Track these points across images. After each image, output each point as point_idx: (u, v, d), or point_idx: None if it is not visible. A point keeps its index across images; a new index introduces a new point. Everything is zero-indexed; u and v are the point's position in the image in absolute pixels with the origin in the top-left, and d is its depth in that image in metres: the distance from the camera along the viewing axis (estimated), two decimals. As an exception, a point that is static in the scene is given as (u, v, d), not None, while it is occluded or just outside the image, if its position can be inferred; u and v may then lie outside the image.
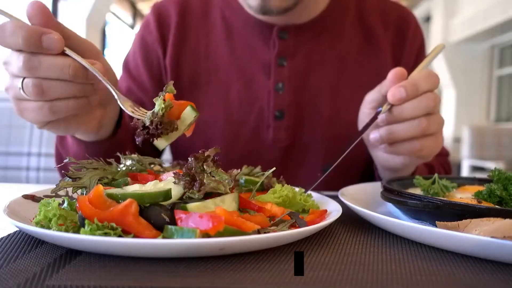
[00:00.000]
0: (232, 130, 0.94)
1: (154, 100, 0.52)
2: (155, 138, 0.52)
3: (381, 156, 0.75)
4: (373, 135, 0.69)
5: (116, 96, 0.55)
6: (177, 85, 0.95)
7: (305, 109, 0.94)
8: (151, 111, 0.51)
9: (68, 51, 0.53)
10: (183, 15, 0.98)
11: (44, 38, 0.51)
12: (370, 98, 0.73)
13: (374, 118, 0.67)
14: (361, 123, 0.77)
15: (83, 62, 0.53)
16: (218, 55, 0.96)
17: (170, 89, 0.52)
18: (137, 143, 0.51)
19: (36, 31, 0.51)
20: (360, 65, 0.97)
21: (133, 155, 0.58)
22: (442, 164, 0.98)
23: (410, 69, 0.73)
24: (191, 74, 0.96)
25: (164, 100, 0.51)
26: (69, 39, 0.56)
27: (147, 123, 0.51)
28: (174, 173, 0.47)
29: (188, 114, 0.53)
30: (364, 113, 0.75)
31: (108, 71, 0.61)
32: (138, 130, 0.52)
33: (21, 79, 0.54)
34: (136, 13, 8.41)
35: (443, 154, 1.03)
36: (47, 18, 0.53)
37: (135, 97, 0.97)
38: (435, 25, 6.86)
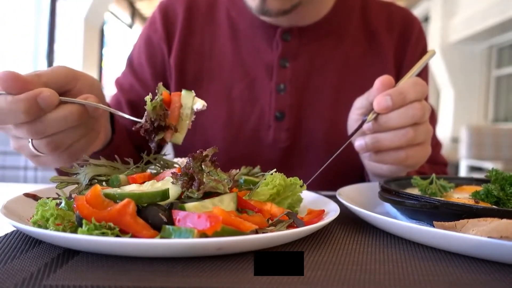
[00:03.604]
0: (233, 130, 0.94)
1: (145, 99, 0.54)
2: (155, 134, 0.55)
3: (368, 164, 0.74)
4: (358, 143, 0.68)
5: (130, 118, 0.58)
6: (181, 83, 0.96)
7: (306, 111, 0.94)
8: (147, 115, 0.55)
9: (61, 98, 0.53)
10: (190, 13, 0.98)
11: (39, 100, 0.50)
12: (358, 105, 0.73)
13: (360, 126, 0.66)
14: (349, 129, 0.76)
15: (80, 101, 0.54)
16: (222, 55, 0.96)
17: (162, 89, 0.55)
18: (151, 145, 0.55)
19: (32, 98, 0.49)
20: (363, 68, 0.96)
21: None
22: (437, 173, 0.97)
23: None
24: (195, 73, 0.96)
25: (151, 99, 0.54)
26: (48, 85, 0.53)
27: (143, 122, 0.54)
28: (172, 173, 0.47)
29: (186, 97, 0.56)
30: (352, 119, 0.74)
31: (93, 87, 0.61)
32: (142, 133, 0.55)
33: (28, 140, 0.55)
34: (134, 12, 8.40)
35: (441, 163, 1.01)
36: (23, 82, 0.50)
37: (137, 94, 0.97)
38: (434, 25, 6.87)
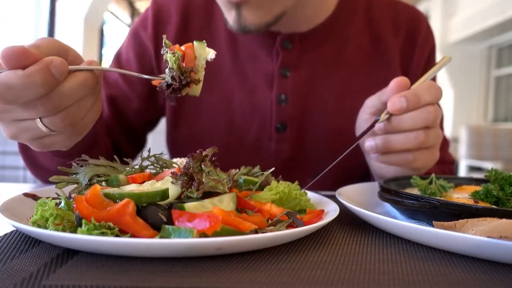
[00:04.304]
0: (234, 140, 0.91)
1: (164, 58, 0.52)
2: (181, 91, 0.53)
3: (374, 164, 0.74)
4: (368, 143, 0.68)
5: (143, 76, 0.55)
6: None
7: (309, 121, 0.91)
8: (167, 68, 0.52)
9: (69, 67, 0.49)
10: (186, 16, 0.94)
11: (53, 70, 0.45)
12: (370, 104, 0.72)
13: (372, 126, 0.66)
14: (358, 128, 0.76)
15: (89, 67, 0.50)
16: (221, 62, 0.91)
17: (168, 43, 0.53)
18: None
19: (46, 68, 0.45)
20: (368, 73, 0.92)
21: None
22: (443, 172, 0.95)
23: (418, 78, 0.72)
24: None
25: (173, 53, 0.52)
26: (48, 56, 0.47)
27: (170, 81, 0.52)
28: (172, 172, 0.47)
29: (199, 48, 0.54)
30: (362, 118, 0.74)
31: (79, 57, 0.55)
32: (166, 92, 0.53)
33: (36, 120, 0.49)
34: (134, 12, 8.40)
35: (447, 161, 0.99)
36: (33, 56, 0.46)
37: (120, 90, 0.93)
38: (434, 25, 6.82)
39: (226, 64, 0.92)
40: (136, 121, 0.96)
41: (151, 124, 1.02)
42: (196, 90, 0.55)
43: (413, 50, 0.95)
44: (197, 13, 0.95)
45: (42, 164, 0.76)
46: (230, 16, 0.80)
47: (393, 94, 0.65)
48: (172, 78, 0.52)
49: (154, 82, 0.55)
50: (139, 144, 1.01)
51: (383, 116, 0.65)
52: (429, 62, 0.97)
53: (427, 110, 0.63)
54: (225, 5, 0.79)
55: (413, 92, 0.64)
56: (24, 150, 0.77)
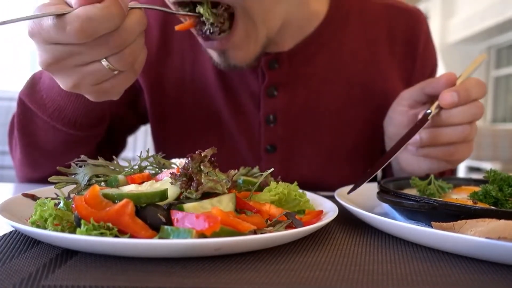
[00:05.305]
0: (223, 158, 0.84)
1: (197, 10, 0.63)
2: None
3: (406, 159, 0.72)
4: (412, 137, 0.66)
5: (180, 12, 0.65)
6: (161, 107, 0.88)
7: (302, 140, 0.86)
8: (207, 19, 0.64)
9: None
10: (166, 26, 0.87)
11: (122, 4, 0.48)
12: (407, 96, 0.71)
13: (424, 119, 0.65)
14: (388, 120, 0.75)
15: (141, 5, 0.52)
16: (205, 77, 0.86)
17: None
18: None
19: (117, 1, 0.48)
20: (365, 84, 0.86)
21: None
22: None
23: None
24: (176, 95, 0.88)
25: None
26: None
27: (211, 29, 0.66)
28: (171, 173, 0.47)
29: None
30: (397, 111, 0.72)
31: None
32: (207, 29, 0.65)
33: (100, 60, 0.51)
34: (133, 12, 8.39)
35: None
36: None
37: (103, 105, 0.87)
38: (433, 26, 6.87)
39: (211, 80, 0.86)
40: (115, 125, 0.89)
41: (130, 130, 0.97)
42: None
43: (413, 65, 0.90)
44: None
45: (40, 141, 0.74)
46: (213, 55, 0.75)
47: (443, 88, 0.65)
48: (212, 25, 0.65)
49: (180, 27, 0.67)
50: (118, 147, 0.96)
51: (434, 110, 0.65)
52: (432, 74, 0.94)
53: (476, 106, 0.64)
54: (206, 49, 0.74)
55: (464, 87, 0.64)
56: (24, 125, 0.75)
